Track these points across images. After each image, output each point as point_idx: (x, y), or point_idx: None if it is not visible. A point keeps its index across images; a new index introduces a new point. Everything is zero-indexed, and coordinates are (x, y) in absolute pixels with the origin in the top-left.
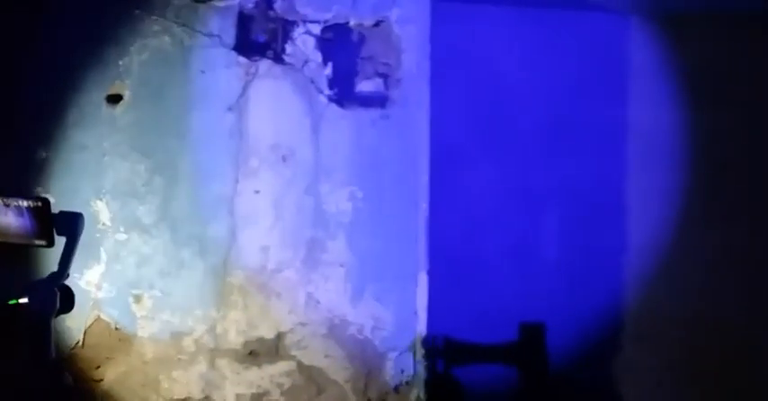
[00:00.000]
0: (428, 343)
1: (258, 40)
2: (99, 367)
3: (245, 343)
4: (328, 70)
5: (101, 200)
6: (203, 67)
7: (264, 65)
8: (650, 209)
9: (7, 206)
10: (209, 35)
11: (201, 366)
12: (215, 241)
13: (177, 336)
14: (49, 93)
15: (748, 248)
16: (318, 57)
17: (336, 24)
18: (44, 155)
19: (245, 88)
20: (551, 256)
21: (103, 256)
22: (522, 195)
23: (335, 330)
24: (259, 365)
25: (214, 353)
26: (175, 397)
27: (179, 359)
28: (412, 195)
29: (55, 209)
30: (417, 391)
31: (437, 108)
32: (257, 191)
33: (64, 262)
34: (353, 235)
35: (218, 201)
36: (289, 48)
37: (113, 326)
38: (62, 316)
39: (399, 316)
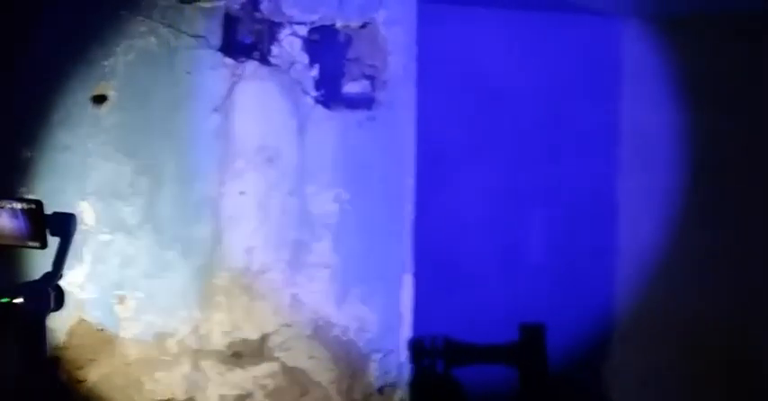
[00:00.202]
0: (427, 343)
1: (244, 41)
2: (82, 368)
3: (229, 345)
4: (315, 72)
5: (85, 200)
6: (189, 69)
7: (250, 66)
8: (640, 211)
9: (1, 208)
10: (195, 36)
11: (185, 367)
12: (199, 242)
13: (161, 337)
14: (33, 93)
15: (740, 249)
16: (305, 58)
17: (323, 26)
18: (28, 155)
19: (230, 89)
20: (539, 258)
21: (87, 257)
22: (510, 197)
23: (320, 331)
24: (243, 366)
25: (198, 355)
26: (158, 399)
27: (162, 360)
28: (398, 197)
29: None
30: (401, 393)
31: (424, 110)
32: (242, 193)
33: (57, 262)
34: (339, 236)
35: (203, 203)
36: (275, 49)
37: (96, 327)
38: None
39: (384, 317)
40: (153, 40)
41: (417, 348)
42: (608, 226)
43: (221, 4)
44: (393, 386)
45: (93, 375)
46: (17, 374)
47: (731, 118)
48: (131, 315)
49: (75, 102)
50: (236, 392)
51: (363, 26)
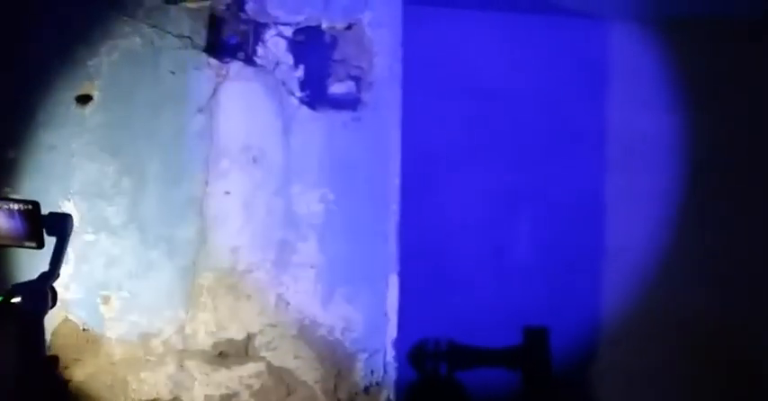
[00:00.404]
0: (431, 346)
1: (229, 41)
2: (67, 368)
3: (215, 345)
4: (300, 72)
5: (69, 200)
6: (174, 69)
7: (235, 66)
8: (629, 212)
9: None
10: (180, 36)
11: (170, 367)
12: (184, 242)
13: (145, 337)
14: (18, 92)
15: (731, 249)
16: (290, 59)
17: (308, 27)
18: (12, 155)
19: (215, 90)
20: (527, 258)
21: (71, 257)
22: (498, 197)
23: (305, 331)
24: (228, 366)
25: (183, 354)
26: (144, 399)
27: (147, 360)
28: (383, 197)
29: None
30: (387, 392)
31: (409, 111)
32: (227, 193)
33: (54, 261)
34: (324, 236)
35: (188, 203)
36: (260, 50)
37: (81, 327)
38: None
39: (370, 317)
40: (137, 40)
41: (420, 351)
42: (596, 226)
43: (206, 4)
44: (379, 385)
45: (79, 375)
46: (16, 373)
47: (721, 118)
48: (116, 315)
49: (60, 101)
50: (221, 392)
51: (349, 27)
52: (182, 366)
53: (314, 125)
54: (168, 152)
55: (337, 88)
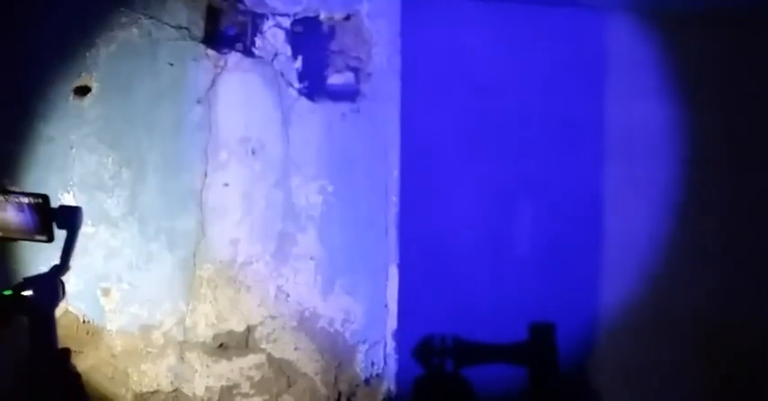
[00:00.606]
0: (437, 342)
1: (227, 32)
2: None
3: (215, 336)
4: (298, 63)
5: (68, 192)
6: (172, 60)
7: (234, 58)
8: (626, 205)
9: (8, 202)
10: (178, 28)
11: (170, 359)
12: (184, 234)
13: (146, 329)
14: (16, 85)
15: (728, 243)
16: (288, 50)
17: (306, 17)
18: (11, 147)
19: (214, 81)
20: (525, 249)
21: None
22: (496, 188)
23: (306, 323)
24: (229, 358)
25: (183, 346)
26: (144, 390)
27: (148, 352)
28: (382, 188)
29: None
30: (388, 384)
31: (408, 101)
32: (227, 185)
33: (65, 254)
34: (324, 228)
35: (187, 194)
36: (258, 41)
37: (82, 319)
38: None
39: (370, 309)
40: (135, 31)
41: (427, 347)
42: (594, 219)
43: None
44: (379, 377)
45: (79, 367)
46: (29, 366)
47: (718, 112)
48: (116, 306)
49: (58, 93)
50: (221, 383)
51: (347, 18)
52: (182, 358)
53: (313, 116)
54: (167, 144)
55: (336, 79)
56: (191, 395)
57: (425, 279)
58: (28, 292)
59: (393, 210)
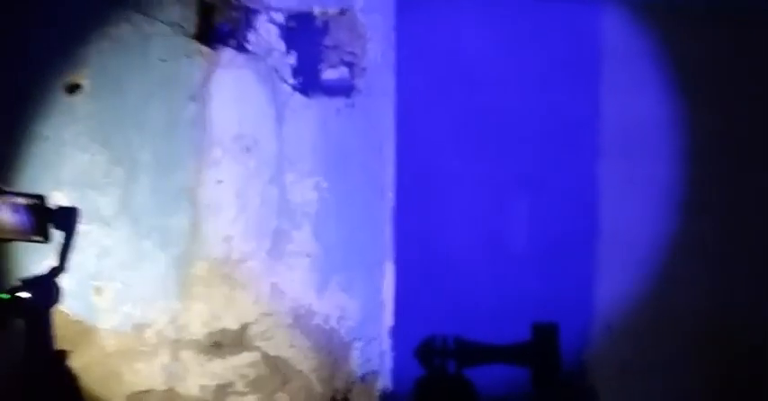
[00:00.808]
0: (438, 343)
1: (221, 28)
2: None
3: (209, 335)
4: (292, 59)
5: (60, 191)
6: (164, 56)
7: (227, 54)
8: (623, 199)
9: (3, 203)
10: (170, 24)
11: (164, 358)
12: (177, 232)
13: (139, 328)
14: (6, 82)
15: (726, 237)
16: (282, 45)
17: (300, 13)
18: (1, 145)
19: (207, 77)
20: (522, 245)
21: None
22: (493, 184)
23: (301, 320)
24: (223, 356)
25: (177, 345)
26: (138, 390)
27: (141, 351)
28: (377, 185)
29: None
30: (383, 381)
31: (403, 97)
32: (220, 182)
33: (63, 255)
34: (319, 225)
35: (181, 192)
36: (252, 36)
37: (74, 318)
38: None
39: (365, 305)
40: (127, 27)
41: (428, 348)
42: (591, 213)
43: None
44: (375, 373)
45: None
46: (25, 367)
47: (716, 106)
48: (109, 305)
49: (49, 91)
50: (216, 382)
51: (341, 13)
52: (176, 356)
53: (307, 112)
54: (160, 141)
55: (330, 75)
56: (185, 394)
57: (422, 275)
58: (25, 294)
59: (388, 206)
